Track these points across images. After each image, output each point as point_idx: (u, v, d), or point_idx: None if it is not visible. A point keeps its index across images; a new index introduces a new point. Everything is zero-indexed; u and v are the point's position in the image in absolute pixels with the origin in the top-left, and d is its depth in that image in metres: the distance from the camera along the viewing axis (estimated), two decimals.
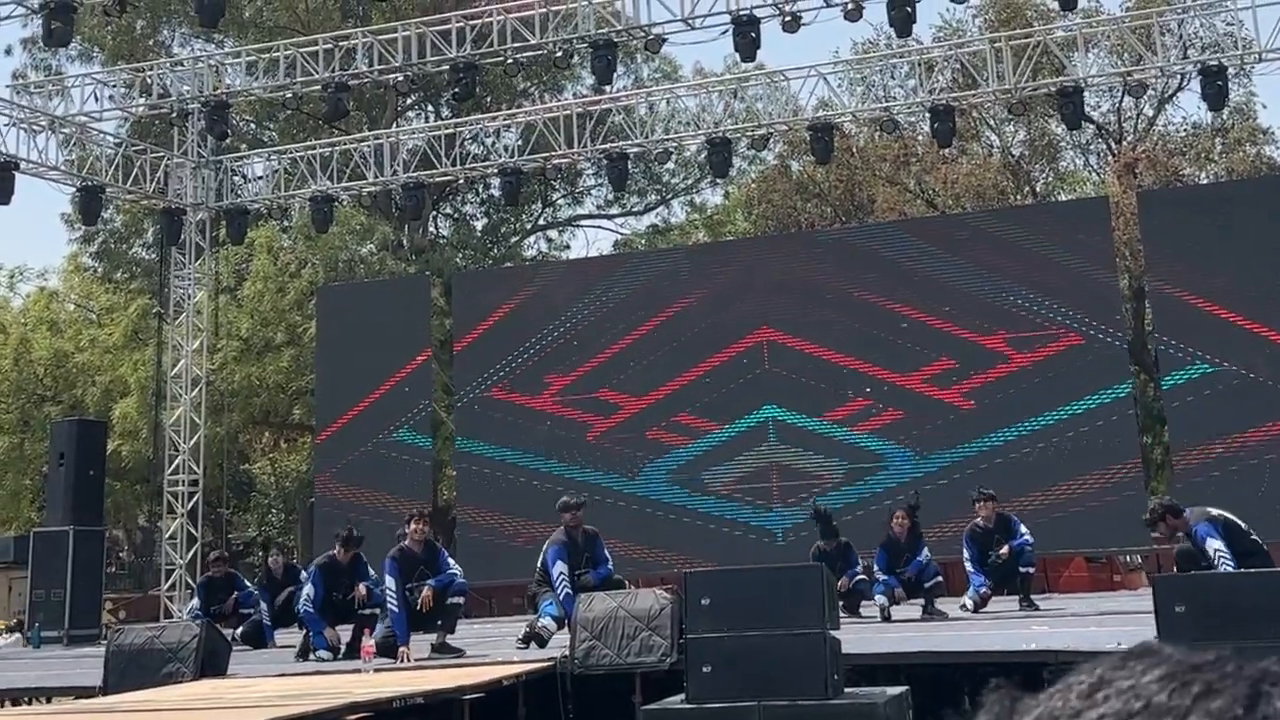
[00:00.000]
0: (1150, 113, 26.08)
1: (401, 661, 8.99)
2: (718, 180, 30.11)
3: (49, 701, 9.68)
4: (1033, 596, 11.62)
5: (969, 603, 11.17)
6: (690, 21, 15.73)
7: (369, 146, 19.31)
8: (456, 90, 17.01)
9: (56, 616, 15.27)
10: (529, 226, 32.77)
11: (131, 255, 28.78)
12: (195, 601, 13.31)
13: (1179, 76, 21.81)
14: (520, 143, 20.81)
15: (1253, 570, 8.40)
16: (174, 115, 18.64)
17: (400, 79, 17.62)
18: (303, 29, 24.77)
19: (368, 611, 10.55)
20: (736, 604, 6.55)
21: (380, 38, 17.08)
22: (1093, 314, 15.92)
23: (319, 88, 17.38)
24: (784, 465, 16.70)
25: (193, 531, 18.56)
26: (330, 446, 18.71)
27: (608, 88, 21.56)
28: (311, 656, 10.27)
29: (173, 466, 18.69)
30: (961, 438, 15.94)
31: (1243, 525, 9.21)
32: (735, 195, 32.20)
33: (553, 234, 33.80)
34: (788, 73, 17.58)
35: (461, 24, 16.57)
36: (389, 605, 9.27)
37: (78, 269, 30.69)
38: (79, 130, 17.75)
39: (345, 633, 10.25)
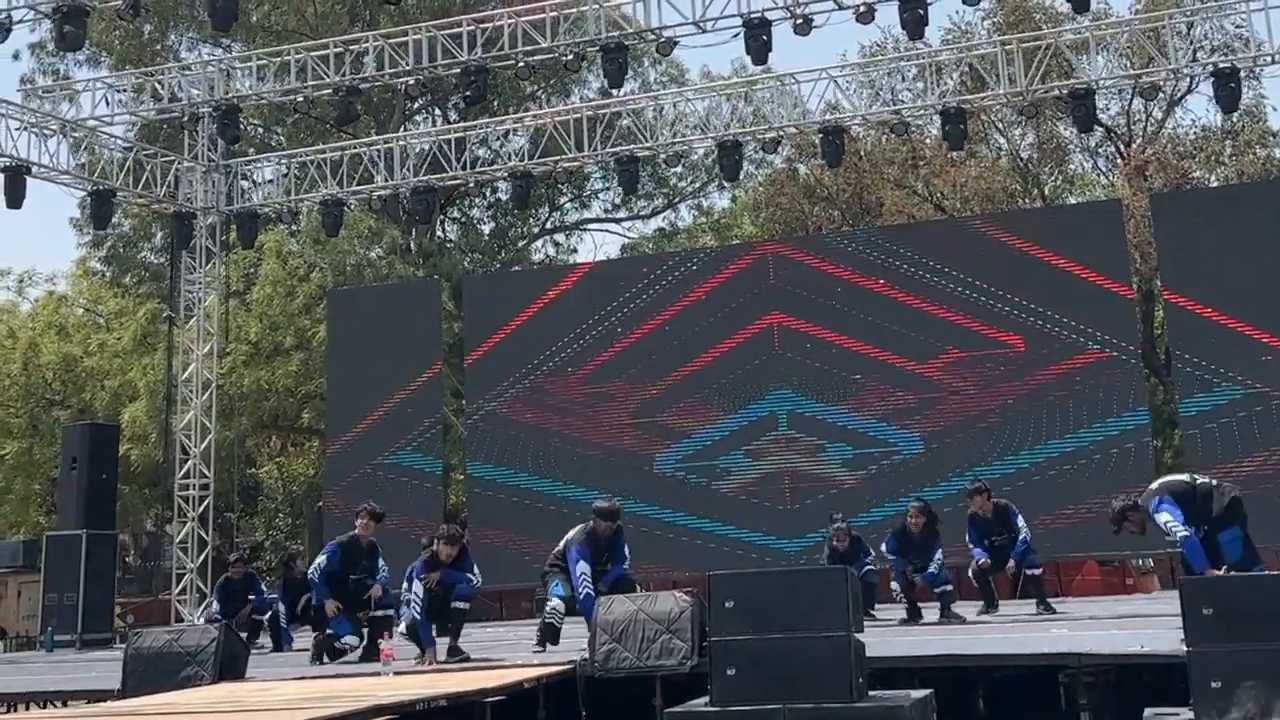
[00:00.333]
0: (1159, 115, 26.06)
1: (429, 663, 8.99)
2: (725, 184, 30.21)
3: (65, 705, 9.68)
4: (1047, 599, 11.63)
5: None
6: (701, 24, 15.72)
7: (378, 150, 19.33)
8: (467, 94, 17.01)
9: (69, 620, 15.29)
10: (536, 230, 32.80)
11: (140, 259, 28.81)
12: (215, 606, 13.31)
13: (1188, 79, 21.79)
14: (528, 146, 20.83)
15: None
16: (185, 119, 18.67)
17: (411, 83, 17.64)
18: (311, 33, 24.79)
19: (381, 613, 10.57)
20: (761, 606, 6.52)
21: (391, 41, 17.10)
22: (1108, 328, 15.77)
23: (330, 91, 17.40)
24: (797, 464, 16.68)
25: (203, 535, 18.55)
26: (339, 458, 18.70)
27: (616, 91, 21.57)
28: (339, 644, 10.30)
29: (183, 470, 18.69)
30: (979, 457, 15.85)
31: (1200, 484, 8.86)
32: (742, 199, 32.21)
33: (560, 238, 33.87)
34: (798, 75, 17.57)
35: (472, 28, 16.57)
36: (413, 608, 9.25)
37: (86, 273, 30.72)
38: (89, 134, 17.77)
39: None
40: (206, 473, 18.71)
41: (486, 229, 32.14)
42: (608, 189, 32.33)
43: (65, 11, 14.00)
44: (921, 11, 14.71)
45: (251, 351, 24.21)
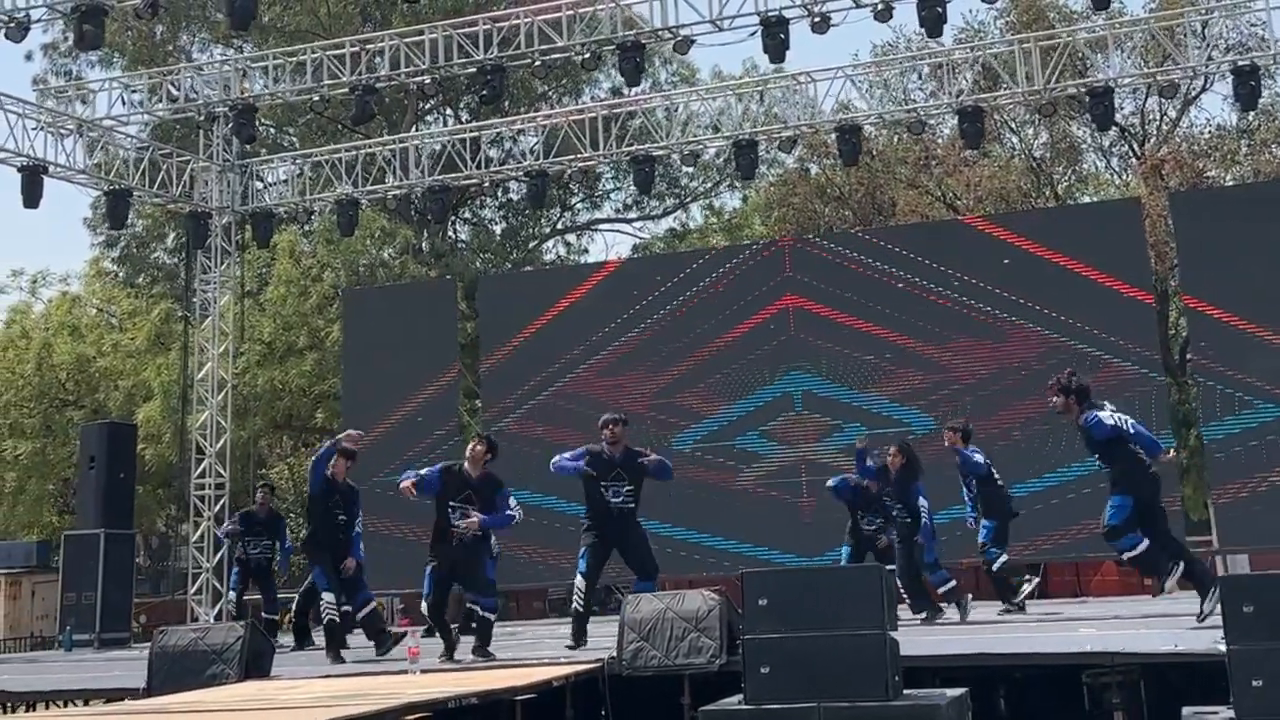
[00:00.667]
0: (1173, 114, 25.97)
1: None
2: (738, 183, 30.20)
3: (87, 703, 9.67)
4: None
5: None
6: (718, 23, 15.69)
7: (392, 150, 19.34)
8: (483, 93, 17.01)
9: (88, 620, 15.29)
10: (547, 230, 32.80)
11: (153, 259, 28.87)
12: (231, 525, 13.25)
13: (1203, 78, 21.72)
14: (541, 146, 20.82)
15: None
16: (201, 119, 18.69)
17: (427, 82, 17.64)
18: (323, 33, 24.81)
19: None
20: (795, 604, 6.49)
21: (407, 41, 17.10)
22: (1128, 335, 15.45)
23: (345, 91, 17.40)
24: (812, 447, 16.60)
25: (219, 536, 18.54)
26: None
27: (630, 91, 21.55)
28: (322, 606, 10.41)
29: (199, 470, 18.69)
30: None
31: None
32: (754, 199, 32.18)
33: (570, 238, 33.87)
34: (814, 74, 17.52)
35: (488, 26, 16.56)
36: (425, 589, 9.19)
37: (99, 274, 30.76)
38: (105, 134, 17.78)
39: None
40: (222, 472, 18.71)
41: (498, 229, 32.16)
42: (619, 189, 32.35)
43: (84, 10, 14.00)
44: (940, 9, 14.65)
45: (265, 351, 24.24)
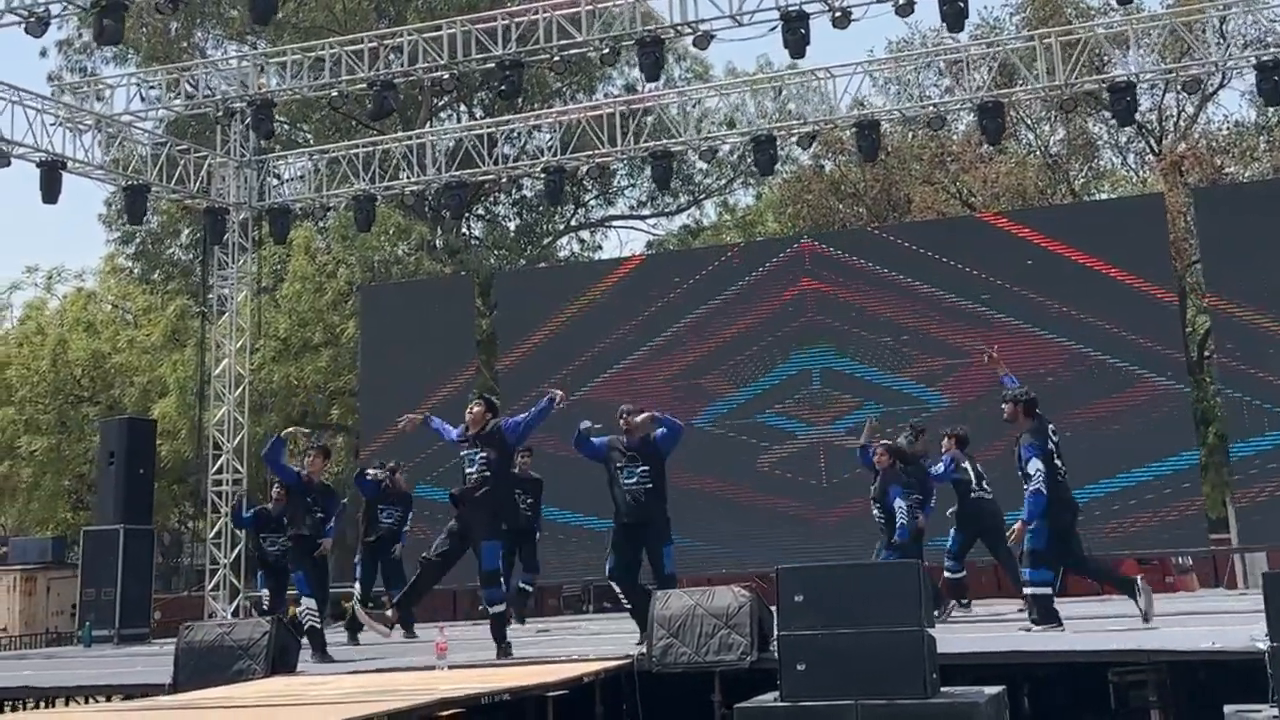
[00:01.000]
0: (1191, 110, 25.83)
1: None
2: (755, 179, 30.11)
3: (109, 699, 9.65)
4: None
5: None
6: (738, 17, 15.61)
7: (408, 146, 19.31)
8: (501, 89, 16.95)
9: (107, 615, 15.28)
10: (561, 227, 32.78)
11: (169, 256, 28.89)
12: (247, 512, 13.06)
13: (1222, 73, 21.59)
14: (555, 142, 20.78)
15: None
16: (219, 115, 18.68)
17: (444, 77, 17.60)
18: (339, 29, 24.80)
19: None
20: (831, 601, 6.44)
21: (425, 36, 17.06)
22: (1152, 335, 15.28)
23: (364, 86, 17.37)
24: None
25: (236, 532, 18.54)
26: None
27: (647, 86, 21.47)
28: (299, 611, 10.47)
29: (216, 466, 18.69)
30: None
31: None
32: (768, 196, 32.08)
33: (585, 234, 33.83)
34: (832, 69, 17.44)
35: (506, 22, 16.51)
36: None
37: (115, 270, 30.81)
38: (122, 130, 17.78)
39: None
40: (239, 468, 18.71)
41: (512, 226, 32.15)
42: (633, 185, 32.31)
43: (104, 6, 13.97)
44: (962, 4, 14.59)
45: (280, 347, 24.24)
